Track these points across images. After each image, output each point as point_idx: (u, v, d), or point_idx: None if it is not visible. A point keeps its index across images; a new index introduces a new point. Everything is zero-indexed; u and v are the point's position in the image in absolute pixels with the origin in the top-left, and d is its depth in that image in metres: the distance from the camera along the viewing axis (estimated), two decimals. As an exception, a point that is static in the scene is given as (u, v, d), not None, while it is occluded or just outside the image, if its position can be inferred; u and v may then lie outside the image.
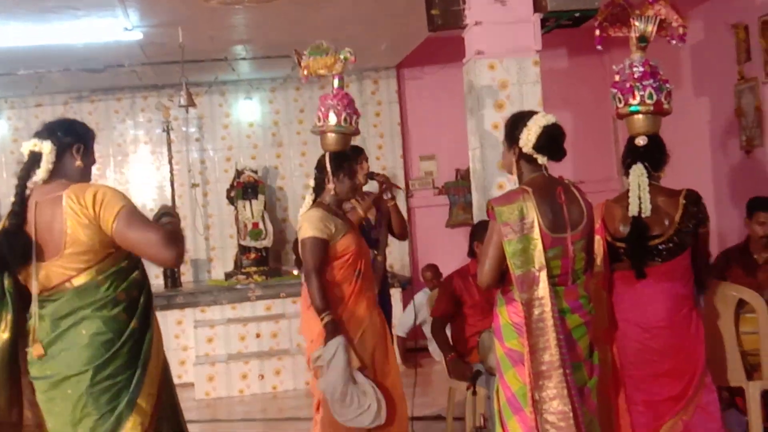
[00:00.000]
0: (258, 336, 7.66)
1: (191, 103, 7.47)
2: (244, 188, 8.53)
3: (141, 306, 3.08)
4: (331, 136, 4.45)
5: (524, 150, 3.39)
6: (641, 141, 3.81)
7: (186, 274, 8.83)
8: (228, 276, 8.45)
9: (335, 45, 4.45)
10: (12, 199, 2.94)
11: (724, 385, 4.21)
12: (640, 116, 3.78)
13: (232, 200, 8.62)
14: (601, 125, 9.29)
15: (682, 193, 3.85)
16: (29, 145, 3.02)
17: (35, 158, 3.01)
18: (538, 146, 3.36)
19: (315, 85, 9.10)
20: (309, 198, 4.43)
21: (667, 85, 3.79)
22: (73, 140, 3.12)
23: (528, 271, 3.26)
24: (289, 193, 9.17)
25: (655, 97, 3.74)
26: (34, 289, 2.91)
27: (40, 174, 2.99)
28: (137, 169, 9.03)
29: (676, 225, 3.72)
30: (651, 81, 3.76)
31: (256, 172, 8.70)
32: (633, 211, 3.69)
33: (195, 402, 7.21)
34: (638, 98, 3.75)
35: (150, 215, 3.15)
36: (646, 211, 3.69)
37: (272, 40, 7.43)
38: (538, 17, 5.27)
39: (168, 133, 8.56)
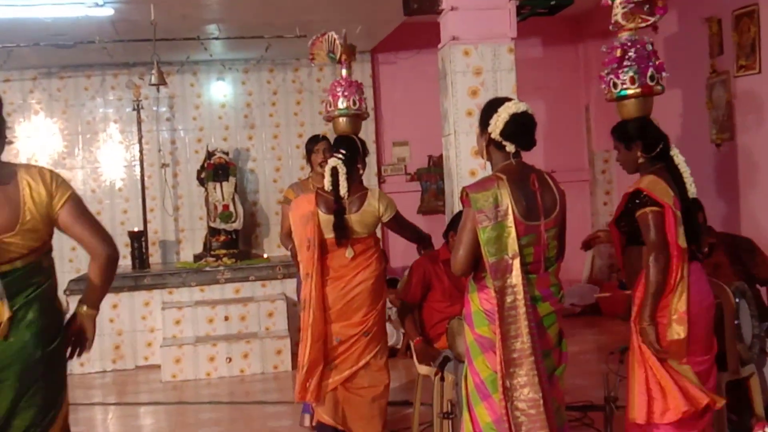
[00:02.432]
0: (226, 319, 7.61)
1: (162, 81, 7.38)
2: (215, 170, 8.45)
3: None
4: (343, 120, 4.82)
5: (492, 136, 3.39)
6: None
7: (154, 255, 8.75)
8: (197, 258, 8.39)
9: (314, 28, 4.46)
10: None
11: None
12: (631, 101, 3.68)
13: (202, 181, 8.55)
14: (573, 115, 9.34)
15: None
16: None
17: None
18: (506, 134, 3.35)
19: (288, 67, 9.05)
20: (344, 177, 4.46)
21: (654, 66, 3.69)
22: (1, 121, 3.03)
23: (501, 258, 3.26)
24: (260, 176, 9.11)
25: (640, 80, 3.64)
26: None
27: None
28: (106, 147, 8.91)
29: None
30: (639, 64, 3.64)
31: (227, 153, 8.62)
32: (693, 192, 3.74)
33: (161, 384, 7.16)
34: (628, 82, 3.63)
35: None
36: (694, 192, 3.76)
37: (246, 21, 7.35)
38: (513, 4, 5.26)
39: (138, 112, 8.45)
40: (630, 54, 3.61)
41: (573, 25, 9.04)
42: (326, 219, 4.45)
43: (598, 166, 9.22)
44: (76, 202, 2.99)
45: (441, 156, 5.82)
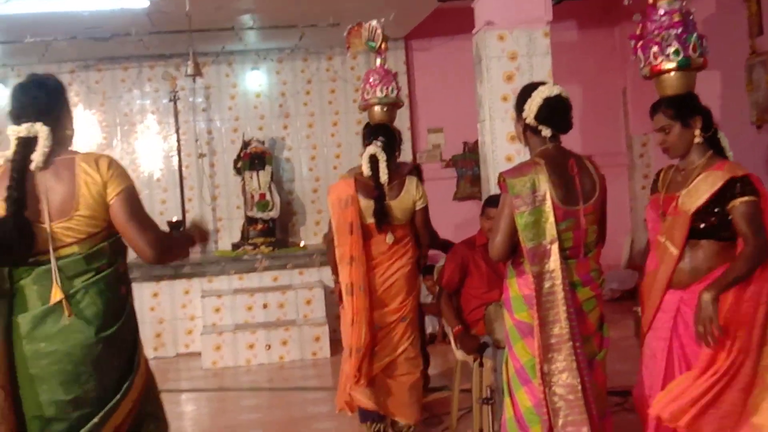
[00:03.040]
0: (265, 306, 7.67)
1: (198, 72, 7.43)
2: (251, 159, 8.50)
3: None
4: (379, 109, 4.86)
5: (528, 121, 3.37)
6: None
7: (193, 244, 8.84)
8: (235, 247, 8.46)
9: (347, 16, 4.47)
10: (7, 187, 2.86)
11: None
12: (678, 73, 3.39)
13: (239, 171, 8.61)
14: (610, 98, 9.24)
15: None
16: (18, 131, 2.94)
17: (29, 143, 2.93)
18: (541, 118, 3.34)
19: (322, 56, 9.06)
20: (384, 164, 4.54)
21: (697, 34, 3.37)
22: (67, 112, 3.09)
23: (539, 243, 3.25)
24: (296, 165, 9.16)
25: (700, 49, 3.39)
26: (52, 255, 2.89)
27: (38, 158, 2.91)
28: (144, 139, 9.01)
29: None
30: (684, 31, 3.35)
31: (263, 142, 8.68)
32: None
33: (202, 371, 7.24)
34: (685, 50, 3.35)
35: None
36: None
37: (279, 10, 7.37)
38: (549, -12, 5.22)
39: (175, 103, 8.53)
40: (691, 18, 3.33)
41: (609, 7, 8.93)
42: (367, 204, 4.48)
43: (636, 150, 9.13)
44: (128, 196, 2.97)
45: (476, 142, 5.80)
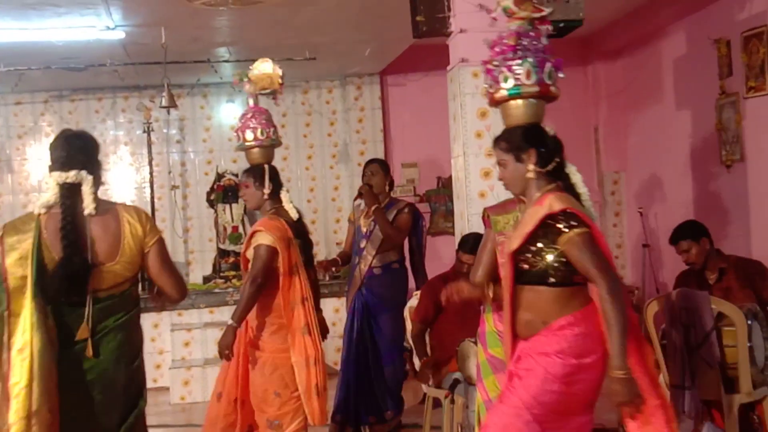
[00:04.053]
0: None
1: (173, 104, 7.41)
2: (225, 191, 8.48)
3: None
4: (254, 151, 4.85)
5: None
6: (551, 130, 3.12)
7: (164, 276, 8.76)
8: (206, 279, 8.39)
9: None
10: (61, 229, 3.13)
11: (702, 398, 4.21)
12: (520, 101, 3.10)
13: (212, 203, 8.57)
14: (582, 136, 9.31)
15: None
16: (66, 177, 3.22)
17: (74, 189, 3.23)
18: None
19: (298, 89, 9.08)
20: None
21: (551, 62, 3.14)
22: (99, 164, 3.43)
23: None
24: (269, 198, 9.12)
25: (537, 77, 3.08)
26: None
27: (89, 206, 3.21)
28: (117, 170, 8.95)
29: None
30: (531, 58, 3.06)
31: (236, 175, 8.64)
32: (594, 217, 3.08)
33: (170, 406, 7.13)
34: (517, 79, 3.06)
35: None
36: (595, 217, 3.12)
37: (256, 43, 7.39)
38: (523, 27, 5.26)
39: (149, 135, 8.49)
40: (524, 43, 3.03)
41: (582, 46, 9.04)
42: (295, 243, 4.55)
43: (608, 188, 9.20)
44: (162, 245, 3.36)
45: (450, 177, 5.82)
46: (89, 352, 3.14)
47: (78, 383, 3.15)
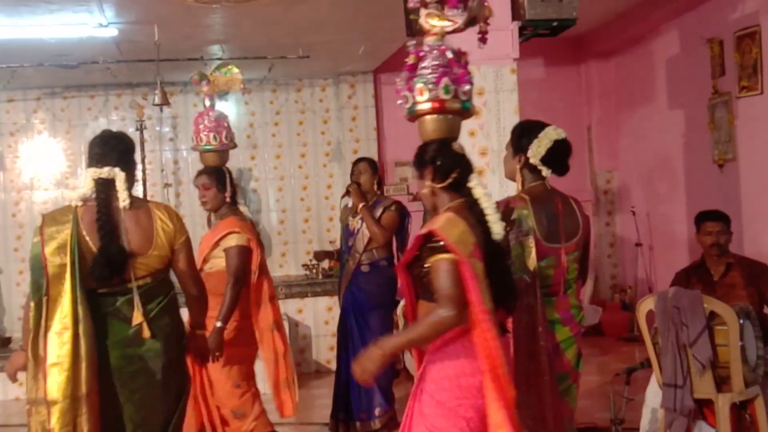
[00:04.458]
0: (228, 339, 7.57)
1: (165, 102, 7.38)
2: (218, 190, 8.44)
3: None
4: (208, 154, 4.88)
5: (531, 161, 3.39)
6: (460, 147, 3.02)
7: (156, 274, 8.75)
8: (199, 278, 8.36)
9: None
10: (97, 220, 3.35)
11: (695, 397, 4.22)
12: (434, 117, 3.02)
13: (204, 201, 8.54)
14: (575, 135, 9.27)
15: None
16: (100, 173, 3.43)
17: (108, 184, 3.43)
18: (546, 159, 3.37)
19: (291, 87, 9.07)
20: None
21: (468, 77, 3.01)
22: (134, 163, 3.60)
23: (521, 278, 3.26)
24: (263, 196, 9.11)
25: (452, 92, 2.95)
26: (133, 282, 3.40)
27: (124, 200, 3.41)
28: (109, 167, 8.91)
29: None
30: (449, 73, 2.96)
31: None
32: (497, 234, 2.91)
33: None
34: (431, 93, 2.97)
35: None
36: (499, 234, 2.92)
37: (249, 41, 7.38)
38: (516, 25, 5.27)
39: (141, 132, 8.47)
40: (425, 62, 2.97)
41: (575, 45, 9.06)
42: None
43: (601, 186, 9.22)
44: (190, 244, 3.62)
45: (443, 176, 5.83)
46: (146, 333, 3.38)
47: (131, 368, 3.39)
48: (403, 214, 5.72)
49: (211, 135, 4.82)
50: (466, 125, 5.22)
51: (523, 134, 3.45)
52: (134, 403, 3.39)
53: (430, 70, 2.90)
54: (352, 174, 5.78)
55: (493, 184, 5.19)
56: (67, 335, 3.28)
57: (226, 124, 4.92)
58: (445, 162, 2.93)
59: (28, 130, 8.80)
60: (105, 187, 3.43)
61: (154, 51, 6.80)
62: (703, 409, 4.36)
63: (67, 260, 3.30)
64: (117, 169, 3.44)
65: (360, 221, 5.60)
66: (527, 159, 3.40)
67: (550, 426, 3.30)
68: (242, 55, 7.75)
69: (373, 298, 5.60)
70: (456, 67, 2.93)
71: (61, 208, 3.51)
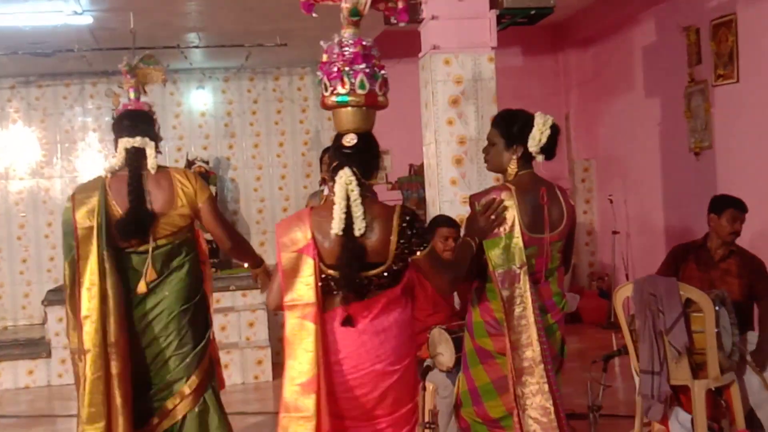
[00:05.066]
0: (206, 328, 7.55)
1: (142, 90, 7.32)
2: (195, 179, 8.40)
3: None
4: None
5: (530, 150, 3.37)
6: (350, 140, 3.01)
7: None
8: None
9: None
10: (128, 185, 3.77)
11: (671, 383, 4.26)
12: (350, 109, 3.01)
13: (182, 190, 8.49)
14: (553, 124, 9.36)
15: (396, 210, 2.94)
16: (133, 142, 3.87)
17: (138, 153, 3.87)
18: (545, 146, 3.36)
19: (269, 76, 9.03)
20: None
21: (383, 72, 3.06)
22: (157, 134, 4.05)
23: (509, 268, 3.27)
24: (241, 185, 9.08)
25: (367, 86, 2.98)
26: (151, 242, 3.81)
27: (153, 166, 3.85)
28: (85, 156, 8.85)
29: (394, 251, 2.89)
30: (364, 66, 2.98)
31: (207, 162, 8.58)
32: (337, 228, 2.85)
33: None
34: (348, 86, 2.98)
35: None
36: (362, 228, 2.86)
37: (226, 29, 7.33)
38: (494, 14, 5.27)
39: (118, 121, 8.39)
40: (334, 55, 3.03)
41: (552, 33, 9.08)
42: None
43: (578, 175, 9.26)
44: (213, 200, 3.98)
45: (422, 165, 5.82)
46: (142, 288, 3.78)
47: (147, 317, 3.82)
48: None
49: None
50: (446, 113, 5.24)
51: (517, 124, 3.41)
52: (152, 348, 3.83)
53: (363, 64, 2.97)
54: (322, 162, 5.76)
55: (471, 173, 5.20)
56: (95, 290, 3.72)
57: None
58: (332, 155, 3.07)
59: (2, 119, 8.71)
60: (136, 156, 3.85)
61: (130, 39, 6.72)
62: (679, 395, 4.40)
63: (95, 223, 3.73)
64: (147, 139, 3.89)
65: None
66: (525, 148, 3.38)
67: (561, 414, 3.32)
68: (219, 43, 7.71)
69: None
70: (369, 61, 2.99)
71: (91, 179, 3.93)
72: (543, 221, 3.35)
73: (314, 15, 3.13)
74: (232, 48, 7.66)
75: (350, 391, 2.89)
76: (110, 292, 3.74)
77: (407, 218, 2.89)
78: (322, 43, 3.08)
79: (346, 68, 2.96)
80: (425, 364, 4.64)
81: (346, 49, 2.99)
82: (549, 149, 3.40)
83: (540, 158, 3.40)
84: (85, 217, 3.78)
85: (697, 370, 4.26)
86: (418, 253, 2.90)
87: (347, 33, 3.04)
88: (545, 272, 3.38)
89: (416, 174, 8.99)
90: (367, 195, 2.94)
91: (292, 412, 2.86)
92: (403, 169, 9.17)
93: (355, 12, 3.05)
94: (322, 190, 5.78)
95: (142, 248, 3.82)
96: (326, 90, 3.03)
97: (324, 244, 2.89)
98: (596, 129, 9.05)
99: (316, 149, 9.04)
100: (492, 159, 3.49)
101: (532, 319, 3.28)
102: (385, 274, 2.88)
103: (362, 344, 2.88)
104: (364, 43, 3.01)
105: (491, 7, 5.28)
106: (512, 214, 3.27)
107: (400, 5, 3.14)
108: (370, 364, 2.88)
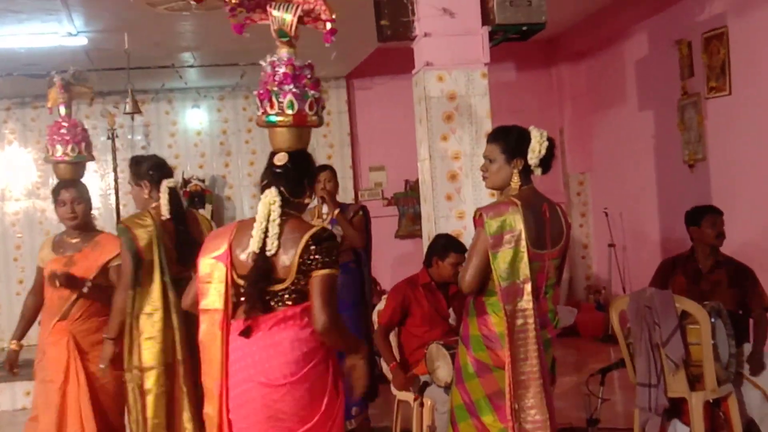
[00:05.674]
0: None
1: (137, 110, 7.35)
2: (191, 197, 8.42)
3: None
4: (63, 166, 4.54)
5: (531, 163, 3.39)
6: (280, 159, 3.07)
7: (130, 284, 8.68)
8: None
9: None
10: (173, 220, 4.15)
11: (669, 396, 4.26)
12: (281, 129, 3.04)
13: (178, 209, 8.50)
14: (548, 138, 9.39)
15: (311, 231, 2.96)
16: (174, 182, 4.25)
17: (177, 190, 4.28)
18: (543, 159, 3.39)
19: (264, 94, 9.05)
20: None
21: (313, 93, 3.07)
22: None
23: (513, 282, 3.28)
24: (236, 203, 9.09)
25: (296, 106, 3.01)
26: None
27: (185, 205, 4.43)
28: (81, 176, 8.86)
29: (296, 268, 2.91)
30: (292, 86, 3.02)
31: (203, 181, 8.60)
32: (254, 246, 2.92)
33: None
34: (276, 106, 3.01)
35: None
36: (272, 249, 2.92)
37: (220, 48, 7.36)
38: (486, 30, 5.30)
39: (113, 141, 8.41)
40: (265, 77, 3.08)
41: (545, 48, 9.13)
42: None
43: (573, 188, 9.29)
44: None
45: (417, 180, 5.84)
46: None
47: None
48: (368, 217, 5.75)
49: (69, 146, 4.49)
50: (441, 129, 5.26)
51: (516, 139, 3.43)
52: None
53: (292, 84, 3.02)
54: (316, 181, 5.75)
55: (466, 188, 5.21)
56: (158, 315, 4.03)
57: (85, 135, 4.65)
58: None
59: (-2, 141, 8.72)
60: (176, 194, 4.20)
61: (125, 59, 6.77)
62: (677, 407, 4.40)
63: (155, 255, 4.04)
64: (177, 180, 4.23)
65: (330, 225, 5.61)
66: (525, 162, 3.40)
67: (555, 427, 3.33)
68: (214, 62, 7.74)
69: (345, 300, 5.60)
70: (299, 81, 3.04)
71: (137, 213, 4.24)
72: (545, 237, 3.38)
73: (246, 35, 3.18)
74: (227, 67, 7.69)
75: (242, 404, 2.94)
76: (174, 316, 4.05)
77: (318, 238, 2.93)
78: (261, 62, 3.11)
79: (275, 89, 3.02)
80: (423, 379, 4.64)
81: (277, 69, 3.04)
82: (547, 162, 3.42)
83: (538, 172, 3.42)
84: (147, 250, 4.06)
85: (694, 382, 4.27)
86: (315, 272, 2.91)
87: (281, 53, 3.09)
88: (543, 289, 3.40)
89: (412, 190, 9.02)
90: (291, 213, 3.01)
91: (206, 417, 3.05)
92: (399, 185, 9.19)
93: (282, 33, 3.11)
94: (316, 206, 5.80)
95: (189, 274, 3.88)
96: (258, 110, 3.08)
97: (240, 256, 2.99)
98: (590, 142, 9.08)
99: (312, 166, 9.06)
100: (492, 175, 3.48)
101: (532, 333, 3.29)
102: (289, 290, 2.92)
103: (251, 355, 2.94)
104: (294, 63, 3.06)
105: (483, 24, 5.30)
106: (519, 229, 3.28)
107: (327, 26, 3.18)
108: (257, 377, 2.92)
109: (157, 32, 6.62)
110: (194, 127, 9.09)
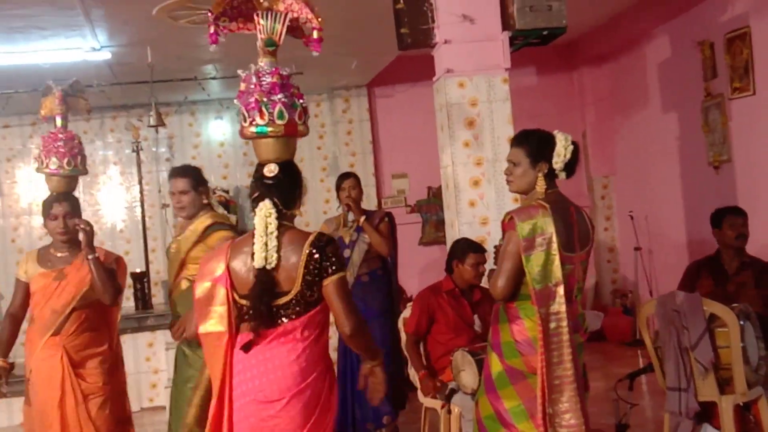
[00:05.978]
0: (230, 357, 7.57)
1: (161, 122, 7.42)
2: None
3: None
4: (56, 179, 4.44)
5: (556, 167, 3.39)
6: (271, 170, 3.03)
7: (157, 296, 8.74)
8: (199, 297, 8.36)
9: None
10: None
11: (699, 400, 4.23)
12: (270, 139, 3.01)
13: (203, 220, 8.55)
14: (571, 142, 9.35)
15: (309, 239, 2.97)
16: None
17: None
18: (568, 163, 3.39)
19: (286, 104, 9.09)
20: None
21: (301, 102, 3.07)
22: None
23: (546, 286, 3.27)
24: (260, 213, 9.12)
25: (286, 116, 2.99)
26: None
27: None
28: (107, 190, 8.94)
29: (301, 278, 2.91)
30: (281, 95, 3.00)
31: (227, 191, 8.65)
32: (258, 262, 2.91)
33: (166, 425, 7.09)
34: (266, 117, 2.97)
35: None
36: (273, 261, 2.92)
37: (242, 59, 7.36)
38: (506, 35, 5.29)
39: (138, 154, 8.49)
40: (251, 86, 3.05)
41: (566, 52, 9.09)
42: None
43: (598, 192, 9.24)
44: None
45: (440, 187, 5.84)
46: None
47: None
48: (394, 224, 5.78)
49: (65, 159, 4.42)
50: (462, 135, 5.26)
51: (541, 142, 3.43)
52: None
53: (281, 94, 3.00)
54: (341, 189, 5.78)
55: (489, 194, 5.21)
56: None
57: (81, 148, 4.60)
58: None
59: (24, 156, 8.82)
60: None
61: (148, 72, 6.83)
62: (708, 411, 4.36)
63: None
64: None
65: (356, 233, 5.63)
66: (549, 166, 3.39)
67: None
68: (236, 74, 7.77)
69: (374, 307, 5.61)
70: (287, 90, 3.02)
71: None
72: (574, 240, 3.37)
73: (222, 40, 3.18)
74: (249, 78, 7.73)
75: (240, 420, 2.96)
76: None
77: (319, 245, 2.93)
78: (239, 71, 3.09)
79: (264, 99, 2.97)
80: (449, 387, 4.64)
81: (264, 78, 3.01)
82: (571, 165, 3.42)
83: (562, 176, 3.41)
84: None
85: (724, 385, 4.23)
86: (327, 278, 2.91)
87: (264, 62, 3.07)
88: (574, 292, 3.39)
89: (434, 196, 9.01)
90: (285, 224, 3.01)
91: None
92: (422, 191, 9.19)
93: (270, 42, 3.10)
94: (341, 213, 5.82)
95: None
96: (245, 120, 3.01)
97: (239, 275, 2.98)
98: (614, 145, 9.04)
99: (334, 174, 9.06)
100: (517, 179, 3.47)
101: (566, 336, 3.27)
102: (293, 302, 2.92)
103: (250, 369, 2.94)
104: (281, 72, 3.04)
105: (503, 30, 5.30)
106: (550, 232, 3.28)
107: (315, 35, 3.17)
108: (253, 392, 2.93)
109: (180, 45, 6.68)
110: (217, 138, 9.14)
